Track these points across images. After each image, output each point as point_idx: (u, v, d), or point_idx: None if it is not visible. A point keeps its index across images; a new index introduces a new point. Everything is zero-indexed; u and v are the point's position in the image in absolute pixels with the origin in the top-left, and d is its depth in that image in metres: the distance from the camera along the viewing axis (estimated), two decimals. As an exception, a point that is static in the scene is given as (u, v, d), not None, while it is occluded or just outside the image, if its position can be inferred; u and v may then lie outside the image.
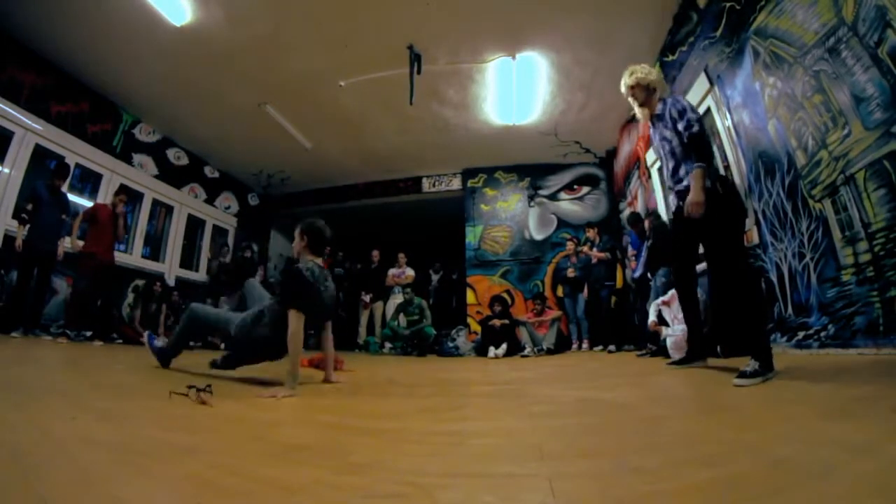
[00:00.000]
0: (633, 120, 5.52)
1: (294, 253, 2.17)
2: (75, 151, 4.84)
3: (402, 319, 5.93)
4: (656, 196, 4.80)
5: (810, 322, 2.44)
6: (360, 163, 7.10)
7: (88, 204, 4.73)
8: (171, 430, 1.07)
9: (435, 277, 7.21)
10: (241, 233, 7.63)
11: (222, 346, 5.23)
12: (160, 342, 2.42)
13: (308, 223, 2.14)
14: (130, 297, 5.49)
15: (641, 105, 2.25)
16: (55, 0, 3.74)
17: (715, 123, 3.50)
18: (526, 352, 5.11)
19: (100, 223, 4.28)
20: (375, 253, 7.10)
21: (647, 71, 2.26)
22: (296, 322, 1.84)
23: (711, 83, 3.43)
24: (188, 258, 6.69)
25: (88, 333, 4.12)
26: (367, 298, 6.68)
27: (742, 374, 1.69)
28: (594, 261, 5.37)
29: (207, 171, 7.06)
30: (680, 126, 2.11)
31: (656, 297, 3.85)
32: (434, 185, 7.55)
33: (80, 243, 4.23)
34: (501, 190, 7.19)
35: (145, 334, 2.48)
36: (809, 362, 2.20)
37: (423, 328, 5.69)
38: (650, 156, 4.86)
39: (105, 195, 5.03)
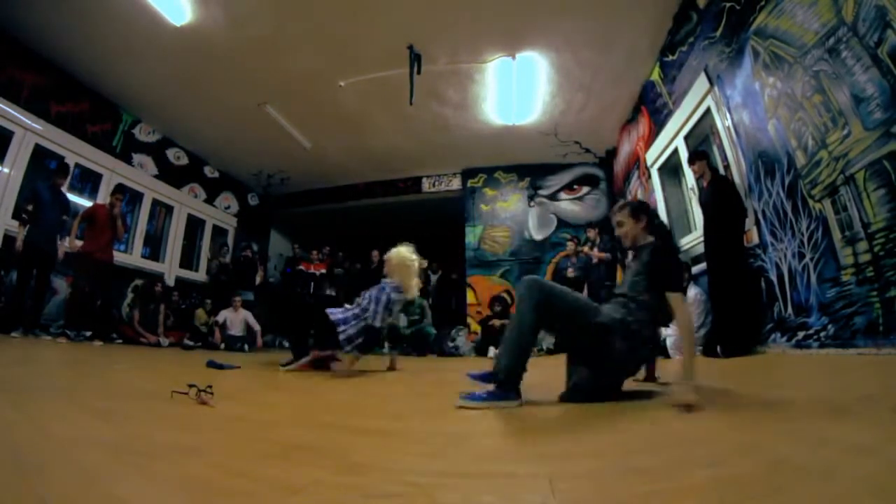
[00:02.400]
0: (632, 120, 5.53)
1: (627, 239, 1.74)
2: (75, 151, 4.83)
3: (403, 319, 5.93)
4: (656, 196, 4.80)
5: (810, 322, 2.44)
6: (360, 163, 7.10)
7: (88, 204, 4.73)
8: (172, 430, 1.07)
9: (433, 277, 7.19)
10: (241, 233, 7.63)
11: (222, 346, 5.20)
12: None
13: (636, 203, 1.78)
14: (130, 296, 5.49)
15: None
16: (55, 0, 3.74)
17: (715, 123, 3.50)
18: (526, 352, 5.10)
19: (98, 223, 4.28)
20: (375, 253, 7.10)
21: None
22: (684, 307, 1.52)
23: (711, 83, 3.43)
24: (188, 258, 6.69)
25: (88, 333, 4.12)
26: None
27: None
28: (595, 261, 5.37)
29: (207, 171, 7.06)
30: None
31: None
32: (434, 185, 7.55)
33: (79, 243, 4.23)
34: (501, 190, 7.19)
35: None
36: (809, 362, 2.20)
37: (424, 328, 5.69)
38: (650, 156, 4.87)
39: (105, 195, 5.02)
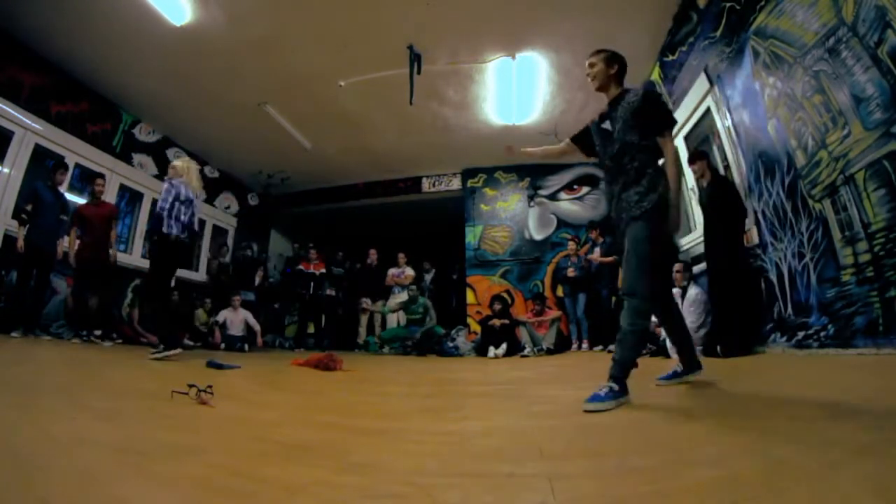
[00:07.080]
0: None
1: (595, 81, 1.79)
2: (75, 151, 4.83)
3: (402, 318, 5.93)
4: (656, 196, 4.79)
5: (810, 322, 2.44)
6: (360, 163, 7.10)
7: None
8: (172, 430, 1.07)
9: (427, 277, 7.18)
10: (241, 233, 7.62)
11: (222, 346, 5.21)
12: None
13: (613, 52, 1.77)
14: (130, 296, 5.49)
15: None
16: (55, 0, 3.74)
17: (715, 123, 3.50)
18: (526, 352, 5.11)
19: (88, 223, 4.24)
20: (372, 251, 7.10)
21: None
22: (672, 145, 1.63)
23: (711, 83, 3.43)
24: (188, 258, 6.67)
25: (98, 333, 4.13)
26: (366, 303, 6.68)
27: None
28: (595, 264, 5.36)
29: (207, 171, 7.05)
30: None
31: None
32: (434, 185, 7.55)
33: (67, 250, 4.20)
34: (501, 190, 7.19)
35: None
36: (809, 362, 2.20)
37: (433, 328, 5.70)
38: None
39: (105, 195, 5.01)
